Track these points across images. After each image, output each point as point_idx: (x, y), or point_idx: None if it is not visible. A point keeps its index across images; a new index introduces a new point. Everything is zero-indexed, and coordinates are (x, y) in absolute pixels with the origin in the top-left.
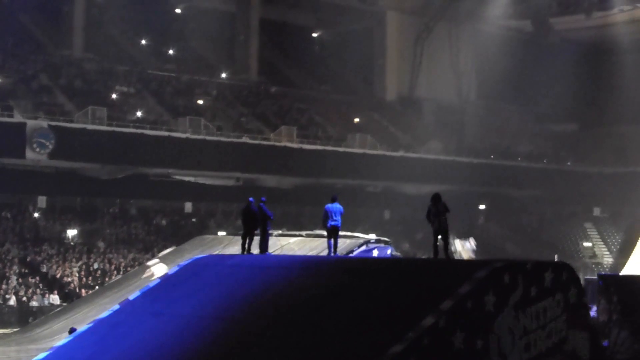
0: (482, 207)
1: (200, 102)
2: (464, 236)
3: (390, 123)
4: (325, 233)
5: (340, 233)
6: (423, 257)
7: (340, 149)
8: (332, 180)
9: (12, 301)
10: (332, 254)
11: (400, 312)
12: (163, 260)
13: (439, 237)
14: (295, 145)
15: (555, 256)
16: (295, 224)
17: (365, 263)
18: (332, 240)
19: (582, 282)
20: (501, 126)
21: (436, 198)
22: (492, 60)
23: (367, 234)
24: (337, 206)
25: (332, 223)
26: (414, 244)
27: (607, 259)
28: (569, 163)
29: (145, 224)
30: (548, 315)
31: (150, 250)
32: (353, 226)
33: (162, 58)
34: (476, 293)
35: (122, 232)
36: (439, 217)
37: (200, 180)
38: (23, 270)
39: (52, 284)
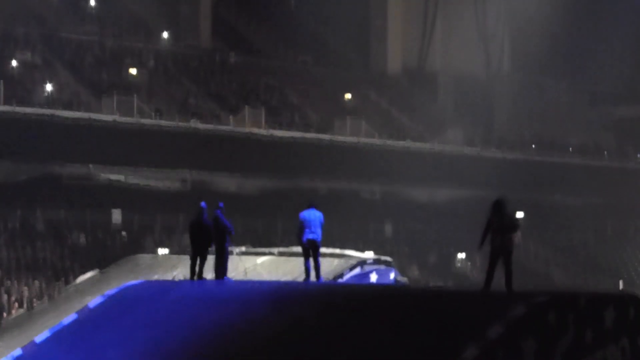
0: (518, 216)
1: (132, 75)
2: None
3: (393, 105)
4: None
5: (328, 251)
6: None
7: (325, 138)
8: (314, 182)
9: None
10: (314, 279)
11: None
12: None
13: (499, 260)
14: (263, 132)
15: (620, 282)
16: (263, 241)
17: (360, 293)
18: (311, 261)
19: None
20: (544, 109)
21: (500, 205)
22: (531, 21)
23: (362, 251)
24: (315, 214)
25: (311, 236)
26: (426, 268)
27: None
28: (638, 159)
29: (57, 244)
30: None
31: (64, 278)
32: (343, 245)
33: (80, 16)
34: (511, 338)
35: (25, 256)
36: (503, 233)
37: (133, 181)
38: None
39: None
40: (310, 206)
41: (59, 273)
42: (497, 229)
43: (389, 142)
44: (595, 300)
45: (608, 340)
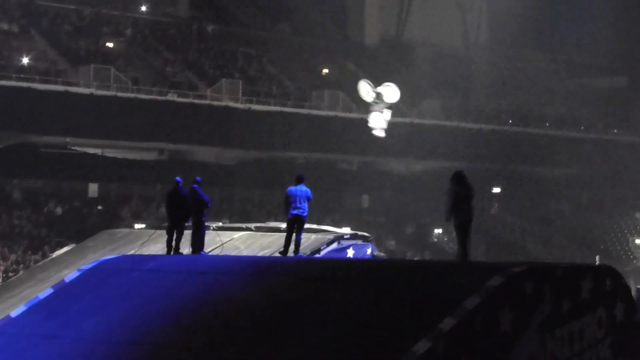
0: (495, 190)
1: (109, 45)
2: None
3: (371, 76)
4: (282, 226)
5: (305, 226)
6: (415, 258)
7: (303, 111)
8: (291, 153)
9: None
10: (294, 255)
11: (384, 335)
12: (58, 262)
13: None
14: (240, 106)
15: (597, 258)
16: (241, 214)
17: (336, 267)
18: (294, 235)
19: (633, 293)
20: (521, 81)
21: (463, 176)
22: None
23: (340, 227)
24: (302, 189)
25: (296, 212)
26: (403, 240)
27: None
28: (615, 131)
29: (33, 213)
30: (586, 338)
31: (40, 248)
32: (320, 216)
33: None
34: (487, 308)
35: (1, 224)
36: (469, 202)
37: (110, 153)
38: None
39: None
40: (299, 180)
41: (35, 243)
42: (464, 199)
43: (366, 116)
44: (571, 271)
45: (585, 311)
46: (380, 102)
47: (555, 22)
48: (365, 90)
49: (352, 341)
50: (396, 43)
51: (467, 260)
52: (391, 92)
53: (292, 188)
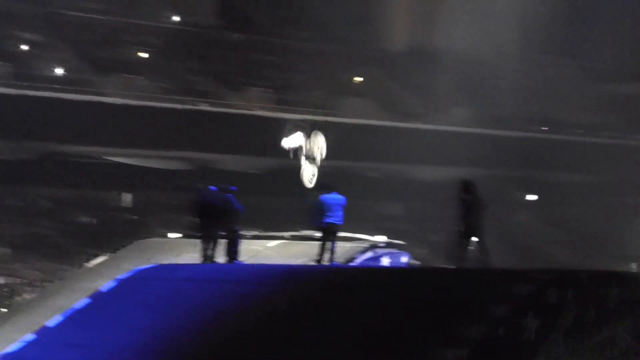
0: (524, 197)
1: (137, 54)
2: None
3: (398, 83)
4: (316, 234)
5: (339, 234)
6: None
7: (330, 119)
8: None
9: None
10: (326, 263)
11: (412, 343)
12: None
13: (471, 238)
14: (270, 114)
15: (632, 266)
16: (271, 223)
17: (369, 274)
18: (328, 244)
19: None
20: (547, 87)
21: (472, 185)
22: None
23: (371, 235)
24: (337, 197)
25: (331, 220)
26: (434, 248)
27: None
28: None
29: (65, 223)
30: (615, 347)
31: (74, 259)
32: (351, 225)
33: None
34: (513, 315)
35: (33, 235)
36: (479, 210)
37: (142, 162)
38: None
39: None
40: (330, 190)
41: (67, 253)
42: (472, 207)
43: (394, 123)
44: (598, 278)
45: (611, 319)
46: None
47: (583, 27)
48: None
49: (382, 348)
50: (424, 50)
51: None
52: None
53: (326, 196)
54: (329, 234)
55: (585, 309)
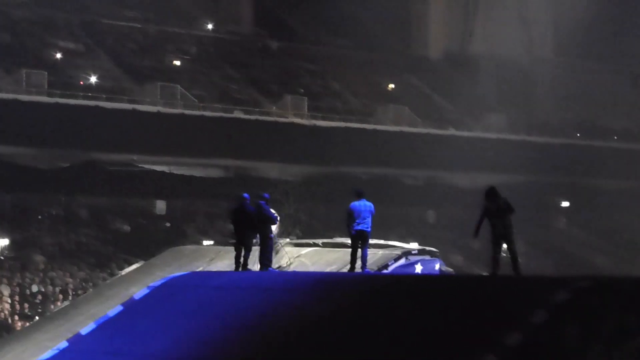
0: (562, 204)
1: (175, 63)
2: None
3: (435, 90)
4: (348, 241)
5: (372, 241)
6: (483, 273)
7: (368, 127)
8: (356, 168)
9: None
10: (362, 270)
11: (450, 350)
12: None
13: (503, 245)
14: (305, 122)
15: None
16: (306, 230)
17: (402, 282)
18: (360, 251)
19: None
20: (586, 93)
21: (493, 193)
22: (574, 3)
23: (406, 242)
24: (365, 204)
25: (360, 227)
26: (470, 255)
27: None
28: None
29: (100, 231)
30: None
31: (108, 266)
32: (385, 232)
33: (122, 3)
34: (554, 323)
35: (69, 243)
36: (503, 217)
37: (176, 170)
38: None
39: None
40: (359, 196)
41: (102, 260)
42: (495, 215)
43: (432, 131)
44: (638, 285)
45: None
46: None
47: (618, 33)
48: None
49: (418, 356)
50: (460, 57)
51: (496, 274)
52: None
53: (355, 203)
54: (359, 241)
55: (625, 316)
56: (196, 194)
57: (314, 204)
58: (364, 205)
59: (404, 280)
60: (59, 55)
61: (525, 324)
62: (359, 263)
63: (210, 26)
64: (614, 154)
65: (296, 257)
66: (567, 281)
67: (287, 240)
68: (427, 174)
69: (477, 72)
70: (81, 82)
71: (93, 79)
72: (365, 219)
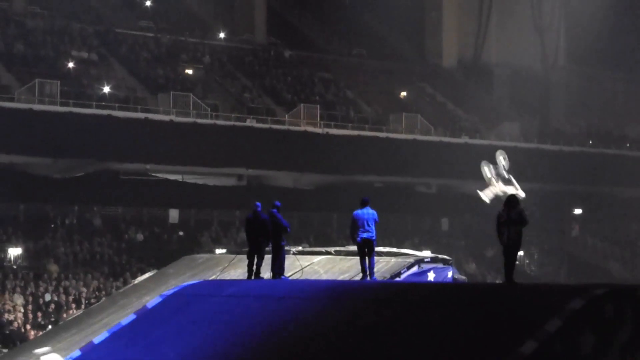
0: (576, 212)
1: (188, 72)
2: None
3: (449, 98)
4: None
5: (385, 249)
6: (496, 281)
7: (381, 135)
8: (370, 177)
9: None
10: (369, 278)
11: (466, 357)
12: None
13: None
14: (318, 131)
15: None
16: (319, 238)
17: (417, 291)
18: (367, 259)
19: None
20: (600, 101)
21: (512, 202)
22: (587, 11)
23: (419, 250)
24: (369, 212)
25: (364, 235)
26: (483, 263)
27: None
28: None
29: (114, 240)
30: None
31: (121, 275)
32: (399, 240)
33: (136, 12)
34: (569, 331)
35: (83, 251)
36: (510, 227)
37: (190, 179)
38: None
39: None
40: (363, 204)
41: (116, 269)
42: (504, 223)
43: (445, 139)
44: None
45: None
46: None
47: (632, 42)
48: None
49: None
50: (474, 65)
51: (510, 281)
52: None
53: (358, 212)
54: (365, 249)
55: None
56: (210, 203)
57: (328, 212)
58: (367, 213)
59: (417, 289)
60: (72, 65)
61: (540, 332)
62: (366, 271)
63: (223, 35)
64: (628, 161)
65: (309, 265)
66: (582, 289)
67: (300, 248)
68: (441, 182)
69: (491, 80)
70: (95, 92)
71: (106, 89)
72: (369, 227)
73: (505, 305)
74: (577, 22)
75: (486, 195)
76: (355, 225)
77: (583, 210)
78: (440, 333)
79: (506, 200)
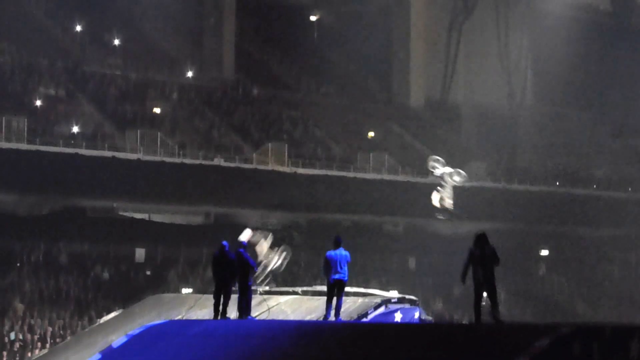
0: (543, 252)
1: (155, 110)
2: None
3: (416, 138)
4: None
5: (352, 289)
6: (463, 321)
7: (349, 174)
8: (337, 215)
9: None
10: (334, 319)
11: None
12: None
13: (484, 294)
14: (286, 169)
15: None
16: (286, 277)
17: (384, 331)
18: (335, 300)
19: None
20: (568, 141)
21: (482, 239)
22: (555, 52)
23: (386, 290)
24: (342, 254)
25: (337, 276)
26: (451, 302)
27: None
28: None
29: (80, 277)
30: None
31: (87, 313)
32: (366, 279)
33: (104, 49)
34: None
35: (48, 289)
36: (486, 265)
37: (157, 217)
38: None
39: None
40: (337, 244)
41: (82, 307)
42: (478, 262)
43: (413, 179)
44: (620, 332)
45: None
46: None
47: (599, 82)
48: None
49: None
50: (441, 104)
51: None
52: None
53: (331, 252)
54: (336, 289)
55: None
56: (177, 241)
57: (295, 251)
58: (340, 255)
59: (384, 329)
60: (39, 102)
61: None
62: (332, 312)
63: (191, 72)
64: (594, 201)
65: (276, 305)
66: (548, 328)
67: (266, 287)
68: (408, 221)
69: (458, 120)
70: (62, 130)
71: (75, 129)
72: (341, 269)
73: (471, 345)
74: (545, 62)
75: (434, 198)
76: (329, 266)
77: (550, 250)
78: None
79: (476, 237)
